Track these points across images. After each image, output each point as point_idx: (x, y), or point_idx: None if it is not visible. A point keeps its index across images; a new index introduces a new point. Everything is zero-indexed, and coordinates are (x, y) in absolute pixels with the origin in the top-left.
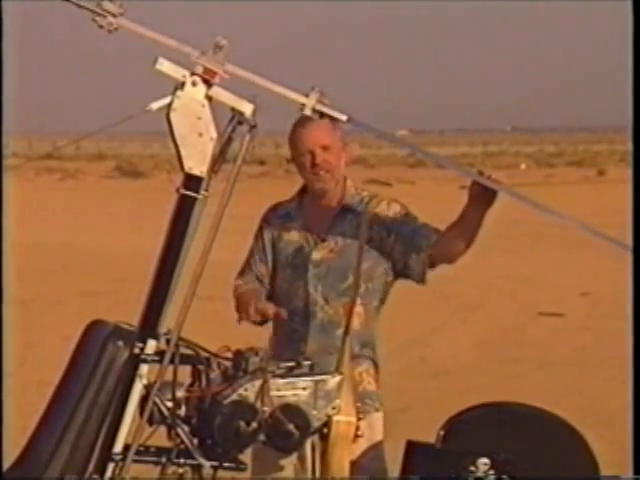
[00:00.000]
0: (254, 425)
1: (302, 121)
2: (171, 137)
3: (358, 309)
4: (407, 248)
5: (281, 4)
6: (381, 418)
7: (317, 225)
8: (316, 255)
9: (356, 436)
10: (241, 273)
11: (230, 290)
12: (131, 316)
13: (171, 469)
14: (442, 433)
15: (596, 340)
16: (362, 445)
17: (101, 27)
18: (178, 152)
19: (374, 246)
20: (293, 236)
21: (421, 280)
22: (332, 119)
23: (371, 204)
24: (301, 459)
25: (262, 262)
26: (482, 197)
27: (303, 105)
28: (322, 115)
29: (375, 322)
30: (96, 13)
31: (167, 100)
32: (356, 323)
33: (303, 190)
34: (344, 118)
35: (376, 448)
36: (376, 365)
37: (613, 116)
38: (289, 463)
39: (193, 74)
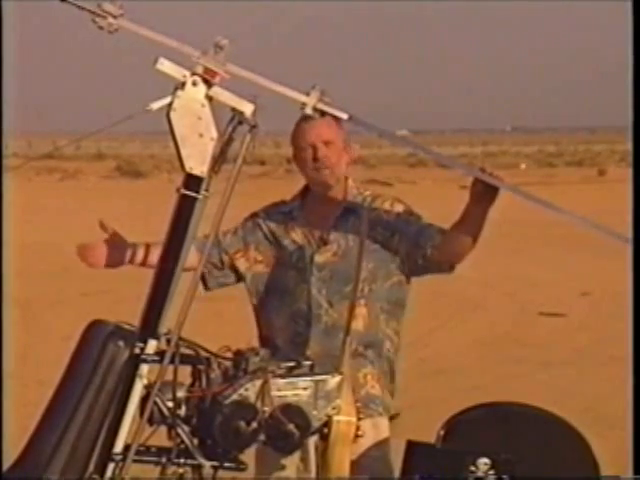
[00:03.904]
0: (254, 425)
1: (305, 118)
2: (171, 137)
3: (362, 310)
4: (412, 249)
5: (279, 3)
6: (386, 422)
7: (319, 226)
8: (319, 258)
9: (356, 436)
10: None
11: (230, 290)
12: (131, 316)
13: (171, 469)
14: (442, 433)
15: (596, 340)
16: (365, 446)
17: (101, 28)
18: (178, 152)
19: (378, 247)
20: (295, 236)
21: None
22: (335, 118)
23: (374, 204)
24: (304, 460)
25: (235, 240)
26: (484, 194)
27: (304, 104)
28: (323, 114)
29: (382, 324)
30: (96, 14)
31: (167, 100)
32: (360, 325)
33: (305, 191)
34: (345, 116)
35: (380, 450)
36: (381, 368)
37: (613, 116)
38: (292, 464)
39: (193, 74)
